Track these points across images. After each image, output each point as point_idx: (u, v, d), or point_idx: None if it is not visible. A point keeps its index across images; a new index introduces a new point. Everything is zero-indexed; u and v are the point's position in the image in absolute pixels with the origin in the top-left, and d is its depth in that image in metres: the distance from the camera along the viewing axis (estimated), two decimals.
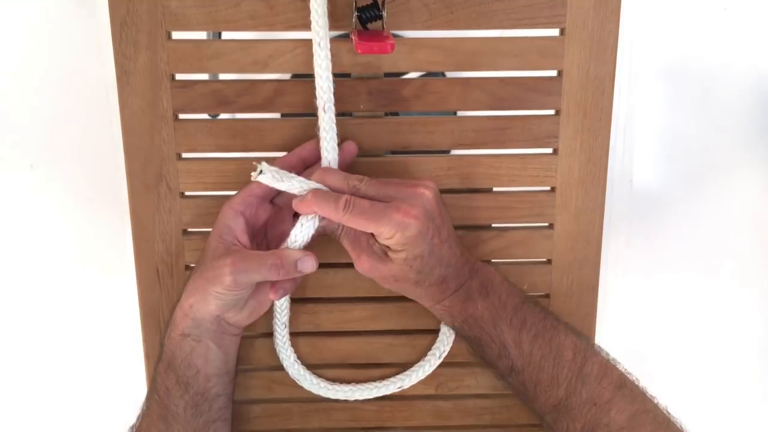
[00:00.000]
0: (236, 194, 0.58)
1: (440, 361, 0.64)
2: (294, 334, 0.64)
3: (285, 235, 0.57)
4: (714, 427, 0.98)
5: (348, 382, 0.64)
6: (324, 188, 0.56)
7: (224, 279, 0.54)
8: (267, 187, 0.57)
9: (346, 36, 0.58)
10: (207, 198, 0.63)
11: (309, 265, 0.55)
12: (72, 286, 0.89)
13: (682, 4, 0.84)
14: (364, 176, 0.56)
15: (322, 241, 0.58)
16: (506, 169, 0.62)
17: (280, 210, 0.60)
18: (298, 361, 0.64)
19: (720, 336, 0.94)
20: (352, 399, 0.64)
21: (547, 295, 0.65)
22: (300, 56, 0.58)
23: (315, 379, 0.64)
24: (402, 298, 0.61)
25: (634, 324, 0.93)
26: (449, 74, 0.65)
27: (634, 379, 0.59)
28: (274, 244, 0.60)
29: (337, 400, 0.65)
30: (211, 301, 0.56)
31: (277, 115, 0.62)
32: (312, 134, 0.60)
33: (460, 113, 0.64)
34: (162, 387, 0.58)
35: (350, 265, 0.58)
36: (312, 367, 0.65)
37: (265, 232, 0.60)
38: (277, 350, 0.64)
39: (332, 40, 0.58)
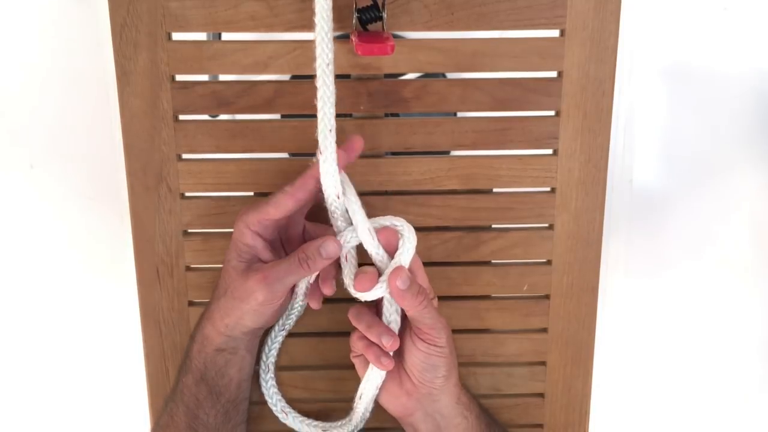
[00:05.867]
0: (252, 213, 0.56)
1: None
2: (294, 335, 0.64)
3: (299, 237, 0.59)
4: (715, 427, 0.98)
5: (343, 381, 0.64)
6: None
7: (257, 296, 0.55)
8: (284, 211, 0.55)
9: (346, 37, 0.57)
10: (207, 199, 0.63)
11: (331, 247, 0.55)
12: (72, 287, 0.89)
13: (682, 4, 0.83)
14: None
15: None
16: (506, 170, 0.62)
17: (293, 217, 0.59)
18: (282, 399, 0.64)
19: (720, 336, 0.94)
20: None
21: (547, 296, 0.65)
22: (300, 57, 0.58)
23: (296, 416, 0.64)
24: None
25: (634, 325, 0.93)
26: (449, 75, 0.65)
27: None
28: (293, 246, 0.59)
29: (338, 400, 0.65)
30: (248, 318, 0.57)
31: (277, 116, 0.62)
32: (311, 136, 0.60)
33: (460, 114, 0.63)
34: (192, 399, 0.58)
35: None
36: (310, 368, 0.65)
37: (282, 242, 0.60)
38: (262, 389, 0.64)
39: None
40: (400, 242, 0.55)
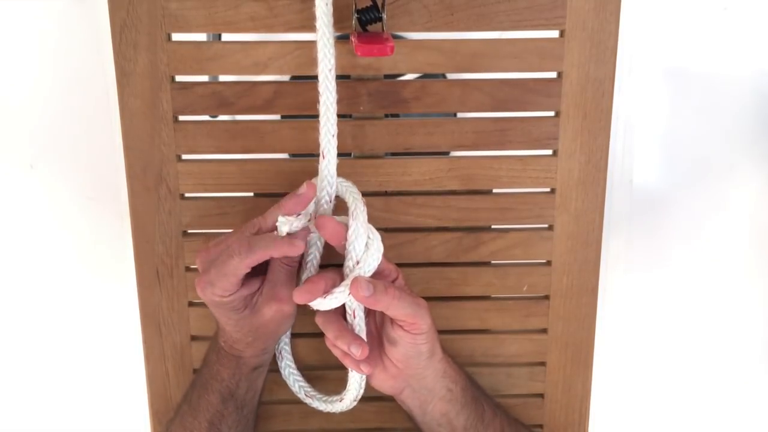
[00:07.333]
0: (216, 287, 0.54)
1: None
2: (294, 335, 0.64)
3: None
4: (716, 427, 0.98)
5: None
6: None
7: (287, 315, 0.57)
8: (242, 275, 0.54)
9: (346, 38, 0.57)
10: (207, 199, 0.63)
11: (296, 247, 0.54)
12: (72, 287, 0.89)
13: (682, 4, 0.83)
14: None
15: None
16: (506, 171, 0.62)
17: None
18: (304, 383, 0.65)
19: (721, 337, 0.94)
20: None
21: (547, 297, 0.65)
22: (300, 58, 0.58)
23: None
24: None
25: (634, 325, 0.93)
26: (449, 76, 0.65)
27: None
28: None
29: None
30: (283, 331, 0.61)
31: (276, 117, 0.62)
32: (310, 136, 0.60)
33: (460, 115, 0.64)
34: (216, 415, 0.59)
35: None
36: (312, 368, 0.65)
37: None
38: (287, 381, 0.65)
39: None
40: (366, 251, 0.55)
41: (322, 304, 0.54)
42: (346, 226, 0.55)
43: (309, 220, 0.56)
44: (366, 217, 0.55)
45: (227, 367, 0.59)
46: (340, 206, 0.57)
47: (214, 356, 0.60)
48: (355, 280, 0.53)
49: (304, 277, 0.58)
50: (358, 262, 0.54)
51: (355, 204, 0.55)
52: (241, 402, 0.60)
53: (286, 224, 0.54)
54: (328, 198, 0.56)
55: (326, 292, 0.54)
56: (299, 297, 0.54)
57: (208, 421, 0.59)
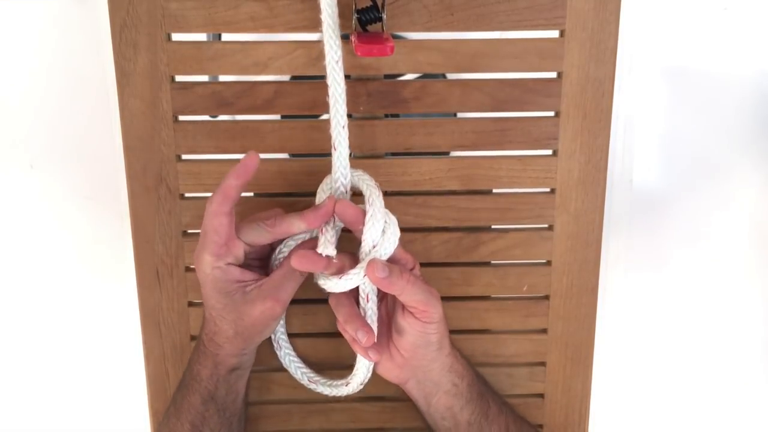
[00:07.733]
0: (213, 252, 0.55)
1: None
2: (294, 335, 0.64)
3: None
4: (716, 427, 0.98)
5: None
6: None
7: (275, 315, 0.56)
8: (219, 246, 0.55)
9: (346, 38, 0.57)
10: (207, 200, 0.62)
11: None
12: (71, 288, 0.89)
13: (682, 4, 0.83)
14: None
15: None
16: (506, 171, 0.62)
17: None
18: (305, 368, 0.64)
19: (721, 337, 0.94)
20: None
21: (547, 297, 0.65)
22: (300, 58, 0.59)
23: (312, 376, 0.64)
24: None
25: (634, 325, 0.93)
26: (449, 76, 0.65)
27: None
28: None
29: (337, 400, 0.65)
30: (267, 333, 0.60)
31: (276, 117, 0.62)
32: (311, 136, 0.60)
33: (460, 115, 0.64)
34: (198, 417, 0.59)
35: None
36: (310, 368, 0.65)
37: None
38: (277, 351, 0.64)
39: None
40: (382, 235, 0.55)
41: (337, 285, 0.55)
42: (365, 212, 0.55)
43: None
44: (382, 203, 0.55)
45: (205, 366, 0.59)
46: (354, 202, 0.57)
47: (195, 355, 0.60)
48: (372, 261, 0.53)
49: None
50: (374, 246, 0.55)
51: (370, 190, 0.55)
52: (222, 404, 0.59)
53: (329, 245, 0.55)
54: (343, 189, 0.56)
55: (330, 272, 0.55)
56: (297, 261, 0.54)
57: (190, 422, 0.59)
